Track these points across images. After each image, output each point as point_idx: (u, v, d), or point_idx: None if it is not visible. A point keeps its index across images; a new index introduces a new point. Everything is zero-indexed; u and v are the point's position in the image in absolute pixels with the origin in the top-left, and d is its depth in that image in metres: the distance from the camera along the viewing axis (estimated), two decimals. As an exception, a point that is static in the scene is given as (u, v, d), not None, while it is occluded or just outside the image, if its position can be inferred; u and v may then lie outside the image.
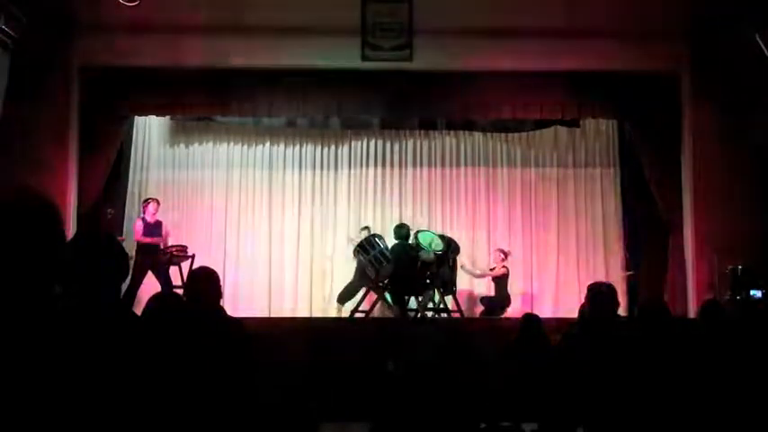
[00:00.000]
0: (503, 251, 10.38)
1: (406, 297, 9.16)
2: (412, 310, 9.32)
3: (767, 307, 7.98)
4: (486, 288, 10.57)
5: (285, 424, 4.57)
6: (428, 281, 9.49)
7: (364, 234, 10.21)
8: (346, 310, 9.99)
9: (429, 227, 10.60)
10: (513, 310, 10.31)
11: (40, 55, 8.80)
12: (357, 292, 10.07)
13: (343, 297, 10.07)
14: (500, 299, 10.14)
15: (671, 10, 9.11)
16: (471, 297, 10.72)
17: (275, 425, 4.17)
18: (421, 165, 11.38)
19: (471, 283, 10.75)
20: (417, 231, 9.75)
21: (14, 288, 1.62)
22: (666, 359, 4.04)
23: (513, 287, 10.72)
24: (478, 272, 10.59)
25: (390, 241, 9.64)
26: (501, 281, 10.17)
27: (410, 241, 9.46)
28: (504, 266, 10.23)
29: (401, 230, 9.51)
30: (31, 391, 1.55)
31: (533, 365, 5.94)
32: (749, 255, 8.77)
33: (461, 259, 10.28)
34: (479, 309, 10.35)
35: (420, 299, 9.37)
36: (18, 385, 1.54)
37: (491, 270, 10.39)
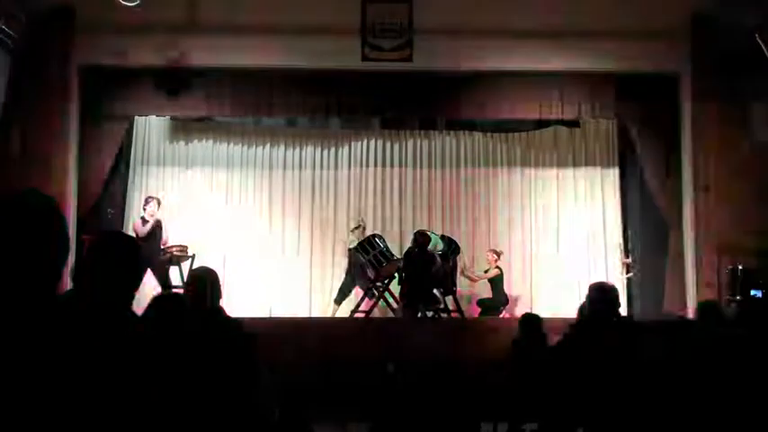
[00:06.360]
0: (495, 251, 10.37)
1: (421, 305, 9.06)
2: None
3: (767, 307, 7.97)
4: (485, 288, 10.55)
5: (284, 424, 4.56)
6: (436, 290, 9.39)
7: (357, 233, 10.19)
8: (344, 311, 9.99)
9: (429, 227, 10.58)
10: (513, 311, 10.31)
11: (40, 55, 8.80)
12: (351, 291, 10.07)
13: (339, 298, 10.08)
14: (497, 299, 10.14)
15: (671, 10, 9.11)
16: (471, 297, 10.71)
17: (274, 425, 4.16)
18: (421, 165, 11.37)
19: (471, 283, 10.74)
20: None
21: (15, 287, 1.62)
22: (666, 359, 4.04)
23: (513, 287, 10.70)
24: (475, 277, 10.57)
25: (392, 242, 9.56)
26: (496, 281, 10.16)
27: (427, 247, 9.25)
28: (497, 267, 10.22)
29: (423, 238, 9.19)
30: (31, 390, 1.55)
31: (533, 366, 5.94)
32: (749, 255, 8.76)
33: (461, 263, 10.26)
34: (478, 311, 10.34)
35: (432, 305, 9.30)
36: (17, 384, 1.53)
37: (485, 273, 10.38)
